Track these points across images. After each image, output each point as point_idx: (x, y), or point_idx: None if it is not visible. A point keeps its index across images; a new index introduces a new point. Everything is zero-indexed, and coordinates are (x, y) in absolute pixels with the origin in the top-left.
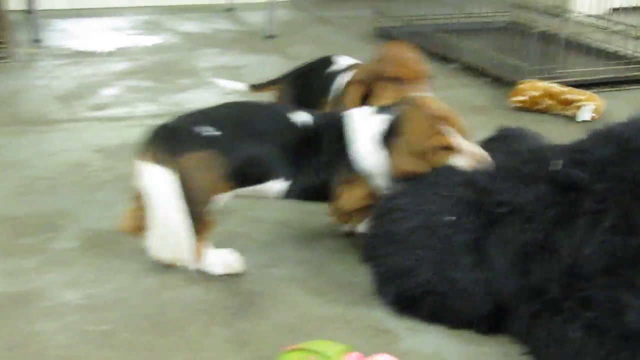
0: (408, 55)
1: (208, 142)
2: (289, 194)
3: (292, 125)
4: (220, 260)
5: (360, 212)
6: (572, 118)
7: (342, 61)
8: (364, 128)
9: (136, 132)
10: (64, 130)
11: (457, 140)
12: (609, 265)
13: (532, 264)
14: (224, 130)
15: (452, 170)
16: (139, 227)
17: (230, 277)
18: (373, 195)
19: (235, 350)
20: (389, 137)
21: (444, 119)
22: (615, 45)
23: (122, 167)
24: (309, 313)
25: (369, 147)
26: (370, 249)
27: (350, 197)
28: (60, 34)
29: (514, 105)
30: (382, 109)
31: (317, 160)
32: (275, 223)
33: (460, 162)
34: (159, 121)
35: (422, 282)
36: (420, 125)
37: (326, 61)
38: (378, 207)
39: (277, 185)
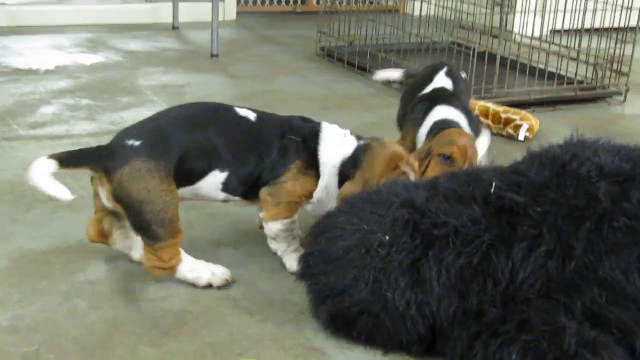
0: (462, 139)
1: (136, 151)
2: (227, 186)
3: (237, 119)
4: (203, 269)
5: (288, 206)
6: (512, 137)
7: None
8: (334, 144)
9: None
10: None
11: (412, 177)
12: (546, 289)
13: (469, 287)
14: (150, 135)
15: (391, 190)
16: (102, 234)
17: (162, 298)
18: (309, 197)
19: None
20: (351, 164)
21: (402, 158)
22: (552, 66)
23: None
24: (239, 332)
25: (332, 162)
26: (306, 268)
27: (293, 187)
28: (1, 51)
29: None
30: (355, 136)
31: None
32: (210, 243)
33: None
34: (97, 140)
35: (357, 302)
36: (382, 160)
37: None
38: (316, 225)
39: (219, 177)
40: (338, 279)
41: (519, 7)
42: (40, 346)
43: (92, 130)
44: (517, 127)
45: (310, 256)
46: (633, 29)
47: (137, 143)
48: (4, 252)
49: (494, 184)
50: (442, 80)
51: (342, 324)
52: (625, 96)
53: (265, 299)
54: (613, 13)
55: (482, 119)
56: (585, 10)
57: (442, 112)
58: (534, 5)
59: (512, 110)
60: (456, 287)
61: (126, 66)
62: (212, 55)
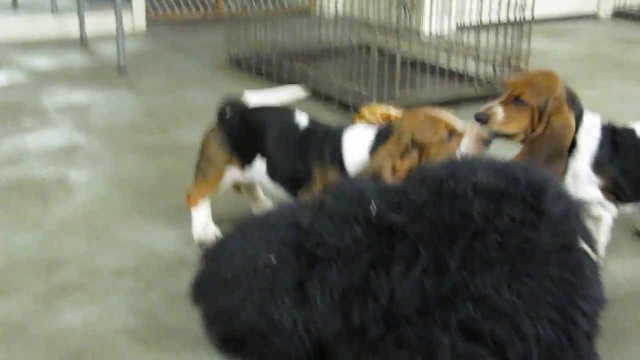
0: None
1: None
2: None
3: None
4: (203, 224)
5: None
6: None
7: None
8: (358, 138)
9: None
10: None
11: (459, 123)
12: (423, 305)
13: (351, 305)
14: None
15: (280, 213)
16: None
17: (57, 332)
18: None
19: None
20: (380, 141)
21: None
22: (456, 65)
23: None
24: None
25: (358, 153)
26: (197, 292)
27: (321, 183)
28: None
29: None
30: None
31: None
32: (111, 272)
33: (465, 146)
34: None
35: (246, 323)
36: (425, 118)
37: None
38: (206, 249)
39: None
40: (227, 301)
41: (425, 7)
42: None
43: None
44: None
45: (201, 280)
46: (528, 22)
47: (228, 115)
48: None
49: (373, 204)
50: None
51: (233, 345)
52: None
53: (163, 329)
54: (507, 9)
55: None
56: (481, 11)
57: None
58: (438, 4)
59: None
60: (339, 305)
61: (30, 86)
62: (120, 70)
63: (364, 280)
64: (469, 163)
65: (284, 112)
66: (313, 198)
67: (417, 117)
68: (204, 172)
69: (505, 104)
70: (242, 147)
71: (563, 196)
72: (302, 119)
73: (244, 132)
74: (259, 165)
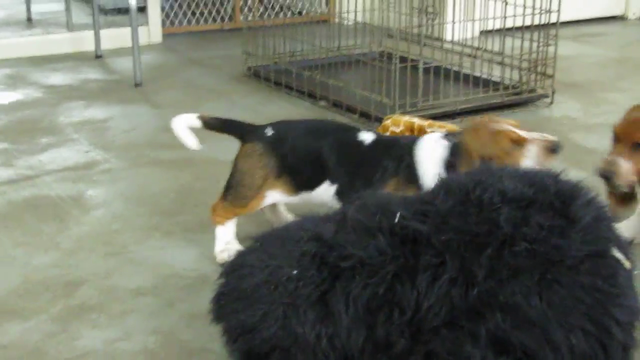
0: None
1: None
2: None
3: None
4: (226, 243)
5: None
6: None
7: None
8: (432, 152)
9: None
10: None
11: (525, 132)
12: (451, 317)
13: (376, 318)
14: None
15: (300, 225)
16: None
17: (74, 355)
18: None
19: None
20: (454, 156)
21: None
22: (480, 71)
23: None
24: None
25: (433, 167)
26: (218, 308)
27: None
28: None
29: None
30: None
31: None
32: (129, 292)
33: (532, 154)
34: (15, 188)
35: (268, 338)
36: (486, 132)
37: None
38: (226, 265)
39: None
40: (248, 316)
41: (448, 13)
42: None
43: (8, 177)
44: None
45: (221, 296)
46: (554, 26)
47: (270, 133)
48: None
49: (397, 214)
50: None
51: None
52: (552, 98)
53: (184, 349)
54: (533, 13)
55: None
56: (505, 15)
57: None
58: (461, 9)
59: (438, 123)
60: (364, 318)
61: (46, 102)
62: (136, 84)
63: (388, 291)
64: (495, 172)
65: (342, 128)
66: (334, 211)
67: (479, 130)
68: (238, 194)
69: (625, 153)
70: (297, 171)
71: (593, 203)
72: (366, 136)
73: (297, 155)
74: (325, 189)
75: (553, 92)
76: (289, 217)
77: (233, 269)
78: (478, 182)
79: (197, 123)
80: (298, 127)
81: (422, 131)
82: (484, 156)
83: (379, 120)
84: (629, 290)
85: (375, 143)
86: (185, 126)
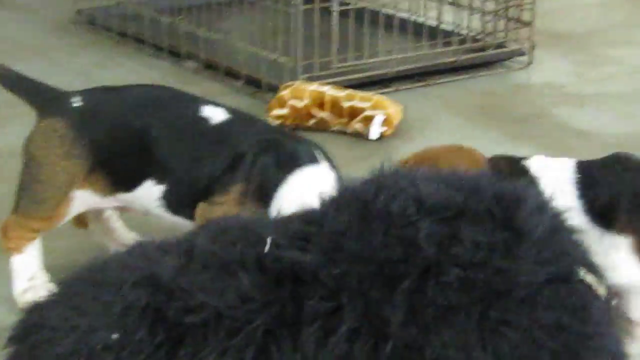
0: None
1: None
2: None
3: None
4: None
5: None
6: (361, 135)
7: None
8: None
9: None
10: None
11: None
12: None
13: None
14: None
15: (125, 261)
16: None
17: None
18: None
19: None
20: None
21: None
22: (424, 16)
23: None
24: None
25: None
26: None
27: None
28: None
29: (274, 122)
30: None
31: None
32: None
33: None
34: None
35: None
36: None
37: None
38: (19, 323)
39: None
40: None
41: None
42: None
43: None
44: (368, 120)
45: None
46: None
47: (77, 104)
48: None
49: (268, 240)
50: None
51: None
52: (531, 56)
53: None
54: None
55: (315, 112)
56: None
57: None
58: None
59: (360, 94)
60: None
61: None
62: None
63: (259, 356)
64: (404, 174)
65: (181, 99)
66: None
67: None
68: (34, 196)
69: None
70: (113, 162)
71: (547, 209)
72: (213, 111)
73: (112, 136)
74: (147, 191)
75: (532, 47)
76: (129, 237)
77: (26, 332)
78: (381, 187)
79: None
80: (118, 96)
81: (336, 105)
82: None
83: (274, 89)
84: (606, 327)
85: (225, 124)
86: None
